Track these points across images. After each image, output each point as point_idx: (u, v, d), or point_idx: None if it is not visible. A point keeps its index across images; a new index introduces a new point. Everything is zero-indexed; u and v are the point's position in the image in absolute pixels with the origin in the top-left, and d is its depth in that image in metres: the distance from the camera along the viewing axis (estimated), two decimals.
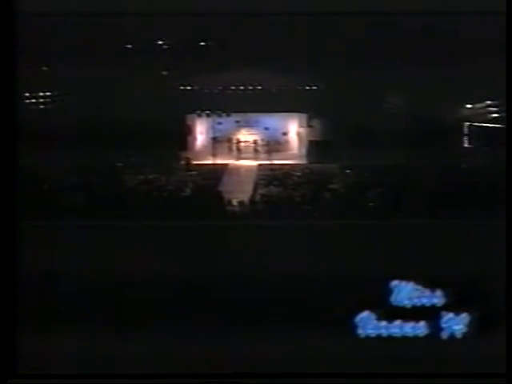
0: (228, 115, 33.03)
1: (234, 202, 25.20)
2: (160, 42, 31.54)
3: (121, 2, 22.00)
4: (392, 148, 28.60)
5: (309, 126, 33.47)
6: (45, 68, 30.31)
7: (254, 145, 34.42)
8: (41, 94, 30.79)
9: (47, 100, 30.18)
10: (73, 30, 26.94)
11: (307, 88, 32.47)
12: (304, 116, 33.50)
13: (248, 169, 31.63)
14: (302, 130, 33.89)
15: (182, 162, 31.32)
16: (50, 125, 27.34)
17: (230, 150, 34.05)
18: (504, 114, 27.77)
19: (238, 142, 34.51)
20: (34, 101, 29.06)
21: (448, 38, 28.55)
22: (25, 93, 28.90)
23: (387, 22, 26.65)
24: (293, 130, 34.67)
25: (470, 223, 19.47)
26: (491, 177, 22.02)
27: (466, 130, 31.93)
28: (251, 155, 33.54)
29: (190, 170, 30.91)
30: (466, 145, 30.37)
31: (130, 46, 31.14)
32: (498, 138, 21.15)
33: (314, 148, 32.58)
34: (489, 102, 31.77)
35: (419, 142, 28.16)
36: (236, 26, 24.86)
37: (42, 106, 28.37)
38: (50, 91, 30.94)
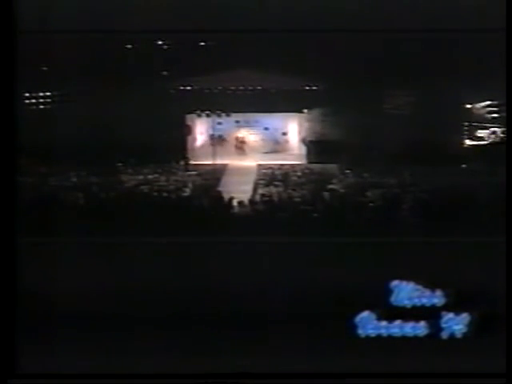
0: (228, 115, 33.02)
1: (234, 203, 25.17)
2: (160, 43, 31.53)
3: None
4: (390, 158, 28.70)
5: (308, 126, 33.48)
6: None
7: (253, 145, 34.43)
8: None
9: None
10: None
11: (307, 88, 32.48)
12: (304, 116, 33.50)
13: (248, 169, 31.63)
14: (302, 130, 33.88)
15: (182, 163, 31.35)
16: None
17: (230, 150, 34.04)
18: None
19: (238, 142, 34.51)
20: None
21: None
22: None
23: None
24: (293, 130, 34.68)
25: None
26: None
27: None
28: (251, 155, 33.55)
29: (190, 171, 30.92)
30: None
31: (129, 46, 31.16)
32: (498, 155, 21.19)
33: (314, 148, 32.59)
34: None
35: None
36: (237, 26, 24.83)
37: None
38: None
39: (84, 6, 22.47)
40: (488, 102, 31.86)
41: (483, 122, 32.07)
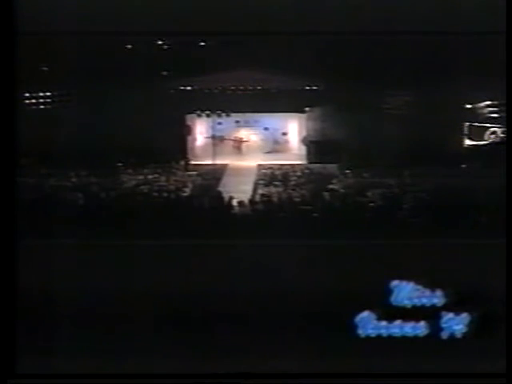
0: (228, 115, 33.03)
1: (233, 203, 25.13)
2: (160, 43, 31.55)
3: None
4: (390, 158, 28.72)
5: (308, 126, 33.50)
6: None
7: (251, 145, 34.43)
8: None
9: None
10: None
11: (307, 88, 32.50)
12: (304, 116, 33.52)
13: (248, 169, 31.63)
14: (302, 130, 33.90)
15: (182, 163, 31.36)
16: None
17: (230, 150, 34.05)
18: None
19: (235, 142, 34.51)
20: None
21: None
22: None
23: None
24: (293, 130, 34.68)
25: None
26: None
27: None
28: (251, 155, 33.55)
29: (190, 171, 30.92)
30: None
31: (129, 46, 31.18)
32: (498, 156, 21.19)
33: (314, 148, 32.61)
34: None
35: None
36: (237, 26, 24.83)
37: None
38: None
39: (84, 8, 22.46)
40: (488, 102, 31.88)
41: (483, 122, 32.08)
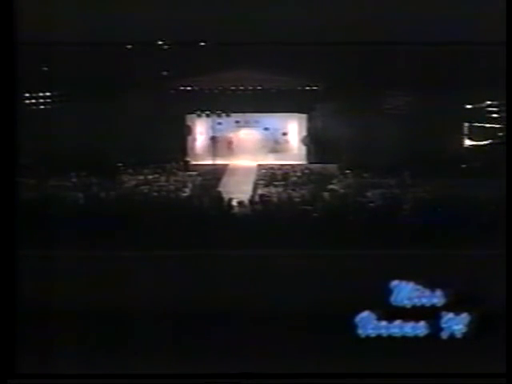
0: (228, 115, 33.04)
1: (234, 203, 25.13)
2: (160, 43, 31.55)
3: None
4: (390, 158, 28.75)
5: (308, 126, 33.52)
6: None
7: (253, 145, 34.42)
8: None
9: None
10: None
11: (307, 88, 32.50)
12: (304, 116, 33.53)
13: (248, 169, 31.65)
14: (302, 130, 33.91)
15: (181, 163, 31.39)
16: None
17: (230, 150, 34.06)
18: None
19: (238, 142, 34.52)
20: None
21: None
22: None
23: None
24: (293, 130, 34.69)
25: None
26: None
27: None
28: (251, 155, 33.55)
29: (189, 171, 30.94)
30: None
31: (129, 46, 31.18)
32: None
33: (314, 148, 32.63)
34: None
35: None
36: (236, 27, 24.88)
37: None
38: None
39: (84, 16, 22.57)
40: (488, 102, 31.89)
41: (483, 124, 32.09)
